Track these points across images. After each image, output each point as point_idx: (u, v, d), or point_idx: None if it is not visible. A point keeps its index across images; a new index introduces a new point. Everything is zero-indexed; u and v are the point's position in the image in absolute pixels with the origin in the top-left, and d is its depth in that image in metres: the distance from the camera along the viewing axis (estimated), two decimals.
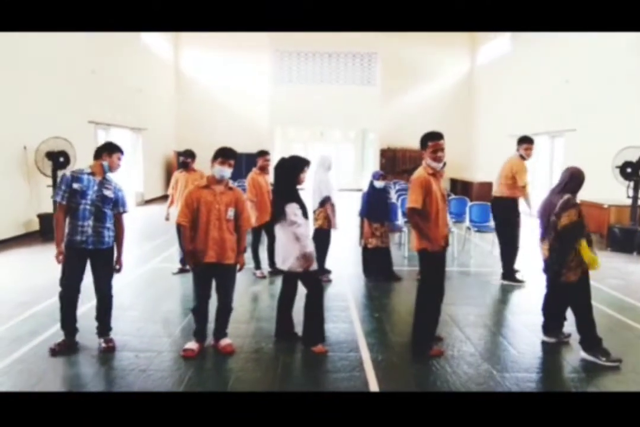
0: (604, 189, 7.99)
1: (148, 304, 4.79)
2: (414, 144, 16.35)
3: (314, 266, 3.58)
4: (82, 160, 8.53)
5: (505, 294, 5.39)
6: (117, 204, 3.60)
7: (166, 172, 14.97)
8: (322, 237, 5.41)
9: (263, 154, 5.83)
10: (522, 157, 5.56)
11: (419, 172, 3.52)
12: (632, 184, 7.55)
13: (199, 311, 3.56)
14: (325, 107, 14.94)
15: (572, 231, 3.49)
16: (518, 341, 3.94)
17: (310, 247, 3.52)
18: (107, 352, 3.52)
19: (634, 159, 7.47)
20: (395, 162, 15.94)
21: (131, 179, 12.52)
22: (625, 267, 6.69)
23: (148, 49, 13.75)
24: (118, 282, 5.39)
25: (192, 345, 3.54)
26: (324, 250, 5.47)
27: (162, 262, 6.56)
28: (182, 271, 5.86)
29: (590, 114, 9.46)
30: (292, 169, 3.62)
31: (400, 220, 7.24)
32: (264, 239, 5.81)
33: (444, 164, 3.53)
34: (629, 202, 7.65)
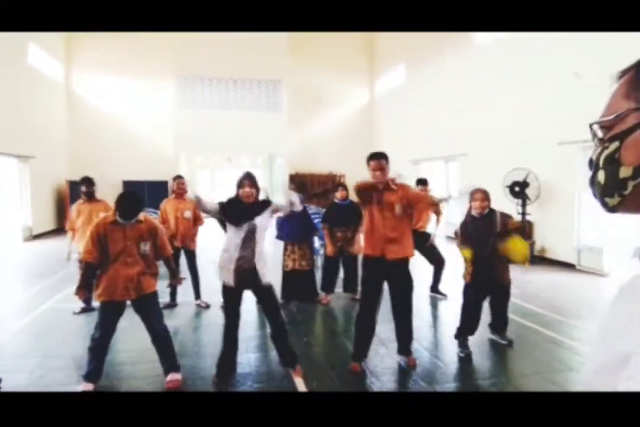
0: (496, 207, 8.70)
1: (49, 350, 4.21)
2: (322, 169, 16.50)
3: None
4: None
5: (428, 307, 5.59)
6: None
7: (57, 203, 13.67)
8: None
9: (177, 178, 5.82)
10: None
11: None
12: (520, 201, 8.37)
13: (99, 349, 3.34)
14: (232, 133, 14.83)
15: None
16: (443, 353, 4.07)
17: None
18: None
19: (520, 179, 8.32)
20: (304, 187, 16.16)
21: (17, 211, 11.27)
22: (523, 277, 7.29)
23: (35, 70, 12.71)
24: (9, 328, 4.72)
25: (87, 387, 3.25)
26: None
27: (60, 302, 5.87)
28: (85, 310, 5.32)
29: (480, 139, 10.38)
30: None
31: (317, 243, 7.27)
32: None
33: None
34: (519, 218, 8.44)
